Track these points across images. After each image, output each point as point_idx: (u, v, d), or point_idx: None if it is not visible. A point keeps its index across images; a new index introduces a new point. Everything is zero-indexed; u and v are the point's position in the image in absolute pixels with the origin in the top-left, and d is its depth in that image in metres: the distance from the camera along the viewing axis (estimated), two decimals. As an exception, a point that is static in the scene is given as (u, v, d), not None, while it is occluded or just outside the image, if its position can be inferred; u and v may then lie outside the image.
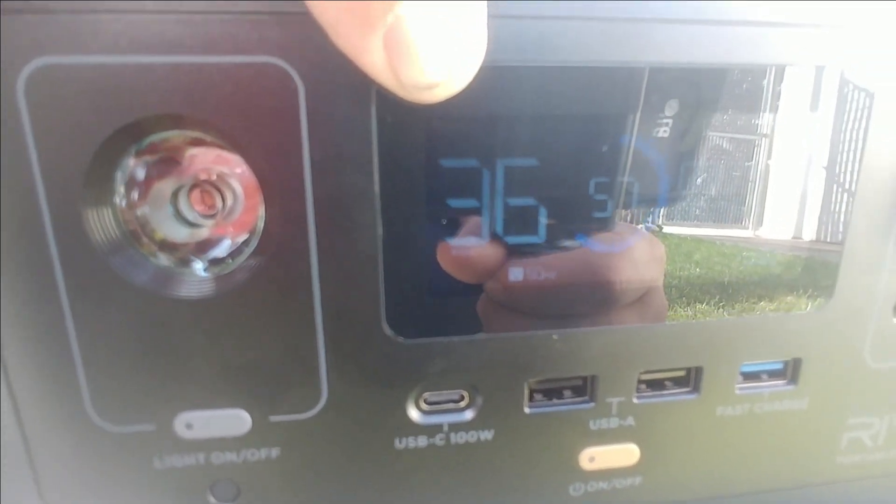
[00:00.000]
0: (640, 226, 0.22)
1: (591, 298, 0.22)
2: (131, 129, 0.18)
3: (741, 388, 0.25)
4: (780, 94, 0.22)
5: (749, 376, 0.25)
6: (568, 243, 0.22)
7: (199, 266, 0.20)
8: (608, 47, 0.19)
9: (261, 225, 0.20)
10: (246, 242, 0.21)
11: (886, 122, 0.22)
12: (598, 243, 0.22)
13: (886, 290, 0.24)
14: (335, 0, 0.13)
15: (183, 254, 0.20)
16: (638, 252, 0.22)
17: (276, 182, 0.19)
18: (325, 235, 0.19)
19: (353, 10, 0.13)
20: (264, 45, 0.18)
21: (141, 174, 0.20)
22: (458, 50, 0.14)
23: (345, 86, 0.18)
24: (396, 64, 0.13)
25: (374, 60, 0.14)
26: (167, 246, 0.20)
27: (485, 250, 0.21)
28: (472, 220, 0.21)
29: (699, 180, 0.22)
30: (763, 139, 0.23)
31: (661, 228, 0.23)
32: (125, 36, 0.17)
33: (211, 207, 0.21)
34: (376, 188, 0.19)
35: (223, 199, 0.21)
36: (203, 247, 0.20)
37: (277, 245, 0.19)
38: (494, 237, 0.21)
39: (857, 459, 0.27)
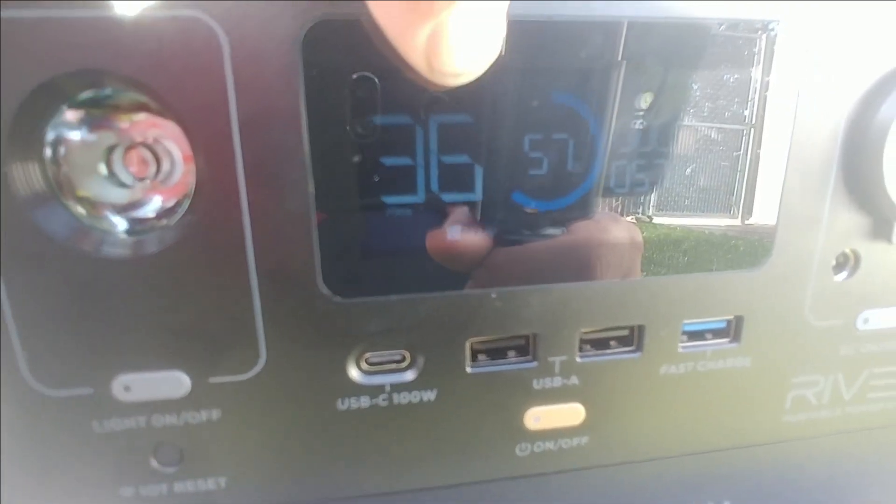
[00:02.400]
0: (627, 217, 0.23)
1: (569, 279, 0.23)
2: (54, 85, 0.18)
3: (684, 347, 0.25)
4: (767, 83, 0.22)
5: (693, 335, 0.25)
6: (520, 212, 0.22)
7: (127, 225, 0.20)
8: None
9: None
10: (180, 204, 0.21)
11: (817, 75, 0.22)
12: (578, 230, 0.22)
13: (824, 247, 0.25)
14: None
15: (113, 213, 0.20)
16: (617, 239, 0.23)
17: (204, 140, 0.19)
18: (257, 194, 0.19)
19: (411, 5, 0.15)
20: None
21: (74, 133, 0.20)
22: (484, 47, 0.16)
23: (271, 42, 0.18)
24: (435, 54, 0.16)
25: (414, 45, 0.16)
26: (97, 205, 0.20)
27: (473, 238, 0.22)
28: (460, 210, 0.21)
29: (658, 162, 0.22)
30: (751, 129, 0.23)
31: (651, 219, 0.23)
32: None
33: (144, 170, 0.21)
34: (306, 146, 0.19)
35: (158, 163, 0.21)
36: (135, 207, 0.20)
37: (208, 204, 0.19)
38: (433, 198, 0.21)
39: (803, 418, 0.28)
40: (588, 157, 0.22)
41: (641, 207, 0.23)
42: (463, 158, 0.21)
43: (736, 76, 0.22)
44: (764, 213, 0.24)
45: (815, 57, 0.22)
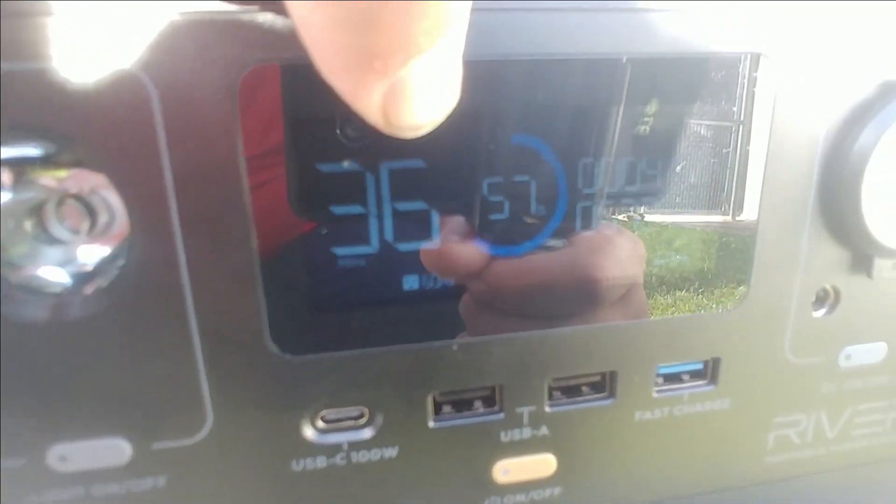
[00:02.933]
0: (620, 217, 0.22)
1: (576, 297, 0.22)
2: None
3: (659, 391, 0.24)
4: (755, 80, 0.21)
5: (669, 378, 0.24)
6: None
7: (59, 285, 0.19)
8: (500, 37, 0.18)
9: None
10: (114, 260, 0.19)
11: (791, 104, 0.21)
12: (580, 242, 0.21)
13: (803, 284, 0.24)
14: (347, 45, 0.14)
15: (46, 271, 0.19)
16: (620, 250, 0.22)
17: (136, 196, 0.18)
18: (196, 250, 0.18)
19: (366, 60, 0.14)
20: (116, 52, 0.16)
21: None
22: (444, 98, 0.15)
23: (204, 90, 0.17)
24: (392, 109, 0.15)
25: (368, 102, 0.15)
26: (24, 267, 0.19)
27: (469, 249, 0.21)
28: (455, 220, 0.20)
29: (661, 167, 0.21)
30: (740, 126, 0.22)
31: (642, 217, 0.22)
32: None
33: (78, 224, 0.19)
34: (246, 198, 0.18)
35: (92, 216, 0.19)
36: (69, 263, 0.19)
37: (143, 262, 0.18)
38: (387, 247, 0.20)
39: (786, 458, 0.27)
40: (552, 199, 0.21)
41: (633, 206, 0.22)
42: (418, 205, 0.20)
43: (723, 72, 0.21)
44: (754, 210, 0.23)
45: (788, 87, 0.21)
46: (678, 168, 0.22)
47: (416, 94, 0.15)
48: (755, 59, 0.21)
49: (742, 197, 0.23)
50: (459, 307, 0.21)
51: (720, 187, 0.23)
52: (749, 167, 0.22)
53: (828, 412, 0.27)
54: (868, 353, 0.26)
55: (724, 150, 0.22)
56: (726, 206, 0.23)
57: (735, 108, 0.22)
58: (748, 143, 0.22)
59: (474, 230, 0.21)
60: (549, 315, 0.22)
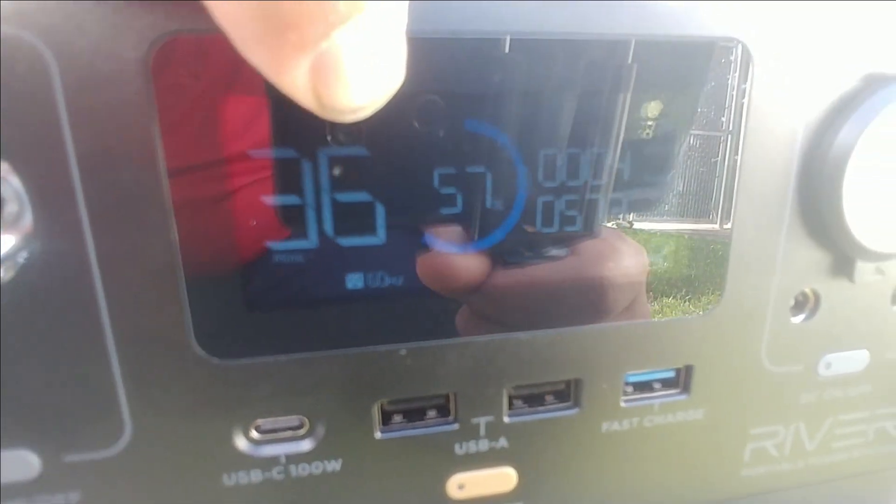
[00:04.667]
0: (612, 223, 0.21)
1: (582, 309, 0.21)
2: None
3: (628, 401, 0.22)
4: (744, 91, 0.20)
5: (638, 386, 0.23)
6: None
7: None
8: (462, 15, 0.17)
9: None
10: (17, 253, 0.17)
11: (766, 99, 0.20)
12: (584, 251, 0.20)
13: (781, 287, 0.22)
14: (253, 15, 0.12)
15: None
16: (625, 259, 0.20)
17: (39, 181, 0.16)
18: (107, 243, 0.16)
19: (278, 30, 0.12)
20: (9, 15, 0.15)
21: None
22: (384, 77, 0.14)
23: (112, 63, 0.15)
24: (323, 89, 0.13)
25: (294, 80, 0.13)
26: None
27: (467, 261, 0.19)
28: (451, 228, 0.19)
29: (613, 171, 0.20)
30: (728, 136, 0.21)
31: (631, 225, 0.21)
32: None
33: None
34: (165, 185, 0.16)
35: (-1, 202, 0.18)
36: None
37: (49, 255, 0.16)
38: (327, 239, 0.18)
39: (763, 471, 0.25)
40: (509, 193, 0.19)
41: (622, 214, 0.21)
42: (361, 196, 0.18)
43: (713, 83, 0.20)
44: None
45: (764, 84, 0.20)
46: (669, 177, 0.21)
47: (348, 71, 0.13)
48: (744, 63, 0.19)
49: (730, 206, 0.22)
50: (456, 320, 0.20)
51: (708, 196, 0.22)
52: (737, 176, 0.21)
53: (807, 423, 0.25)
54: (849, 361, 0.24)
55: (712, 160, 0.22)
56: (714, 215, 0.22)
57: (724, 119, 0.21)
58: (736, 153, 0.21)
59: (472, 240, 0.19)
60: (555, 328, 0.21)
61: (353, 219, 0.18)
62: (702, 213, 0.22)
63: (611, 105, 0.19)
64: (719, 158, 0.22)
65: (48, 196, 0.16)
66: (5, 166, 0.17)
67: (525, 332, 0.20)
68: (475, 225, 0.19)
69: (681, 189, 0.21)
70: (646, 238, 0.21)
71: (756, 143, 0.20)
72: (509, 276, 0.20)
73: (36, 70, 0.15)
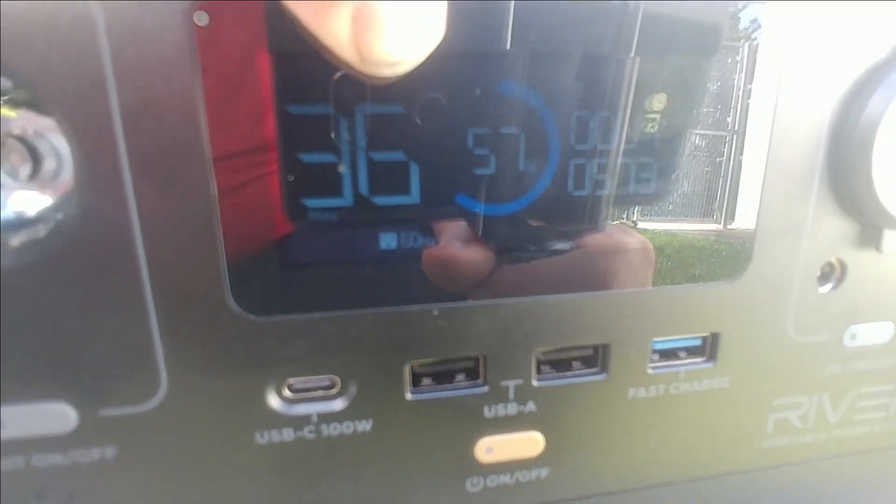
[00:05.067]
0: (619, 222, 0.21)
1: None
2: None
3: (654, 368, 0.22)
4: (750, 91, 0.21)
5: (665, 354, 0.23)
6: (459, 209, 0.19)
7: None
8: None
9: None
10: (56, 211, 0.18)
11: (797, 71, 0.20)
12: (592, 246, 0.20)
13: (808, 257, 0.22)
14: None
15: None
16: (631, 253, 0.21)
17: (81, 134, 0.16)
18: (148, 198, 0.16)
19: None
20: None
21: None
22: (423, 29, 0.14)
23: (158, 15, 0.15)
24: (363, 39, 0.13)
25: (336, 31, 0.13)
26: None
27: (475, 255, 0.19)
28: (454, 225, 0.19)
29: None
30: (734, 135, 0.22)
31: (635, 224, 0.21)
32: None
33: (18, 167, 0.18)
34: (205, 140, 0.16)
35: (36, 161, 0.18)
36: (7, 208, 0.17)
37: (90, 209, 0.16)
38: (362, 199, 0.18)
39: (786, 443, 0.25)
40: (542, 155, 0.19)
41: (626, 212, 0.21)
42: (396, 155, 0.18)
43: (719, 83, 0.21)
44: (746, 219, 0.22)
45: (795, 52, 0.20)
46: (674, 175, 0.21)
47: (388, 23, 0.13)
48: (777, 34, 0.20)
49: (734, 206, 0.22)
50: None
51: (713, 196, 0.22)
52: (742, 176, 0.22)
53: (830, 395, 0.25)
54: (874, 332, 0.24)
55: (717, 160, 0.22)
56: (718, 215, 0.22)
57: (729, 119, 0.22)
58: (741, 153, 0.22)
59: (478, 235, 0.19)
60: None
61: (387, 178, 0.18)
62: (706, 213, 0.22)
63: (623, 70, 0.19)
64: (724, 158, 0.22)
65: (92, 150, 0.16)
66: (48, 122, 0.17)
67: (554, 295, 0.20)
68: (506, 187, 0.19)
69: (685, 189, 0.22)
70: (649, 237, 0.21)
71: (787, 113, 0.20)
72: (514, 272, 0.20)
73: (81, 22, 0.15)
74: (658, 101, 0.20)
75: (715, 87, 0.21)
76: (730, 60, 0.21)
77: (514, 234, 0.20)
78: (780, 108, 0.20)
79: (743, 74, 0.20)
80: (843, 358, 0.25)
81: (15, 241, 0.17)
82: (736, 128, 0.21)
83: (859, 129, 0.21)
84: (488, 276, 0.20)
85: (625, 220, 0.21)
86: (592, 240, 0.20)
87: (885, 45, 0.21)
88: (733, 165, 0.22)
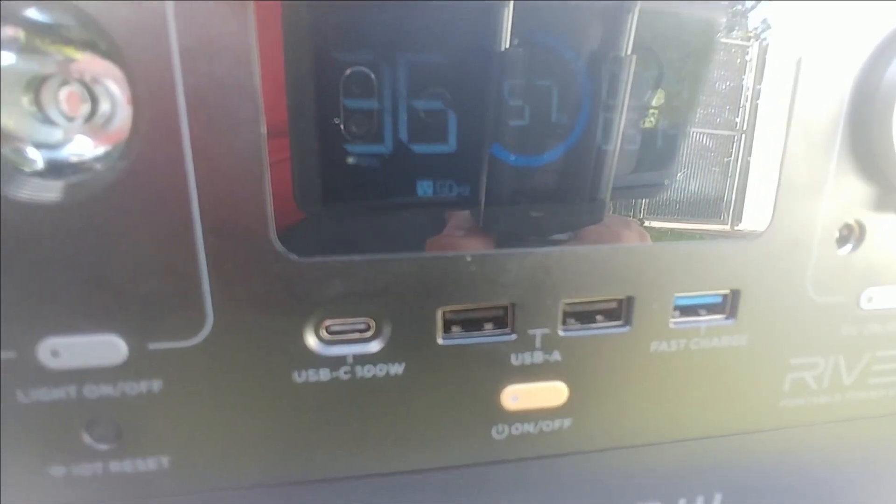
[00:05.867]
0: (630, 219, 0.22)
1: None
2: None
3: (676, 323, 0.23)
4: (759, 92, 0.21)
5: (686, 310, 0.24)
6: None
7: (50, 166, 0.18)
8: None
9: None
10: (118, 150, 0.18)
11: (820, 34, 0.21)
12: (587, 236, 0.21)
13: (827, 217, 0.23)
14: None
15: (37, 152, 0.18)
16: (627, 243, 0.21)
17: (139, 70, 0.17)
18: (201, 134, 0.17)
19: None
20: None
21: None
22: None
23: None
24: None
25: None
26: (17, 140, 0.18)
27: (475, 243, 0.20)
28: (459, 215, 0.20)
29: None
30: (742, 135, 0.22)
31: (642, 223, 0.22)
32: None
33: (77, 108, 0.18)
34: (257, 81, 0.17)
35: (94, 103, 0.18)
36: (61, 147, 0.18)
37: (146, 145, 0.17)
38: (401, 145, 0.19)
39: (801, 403, 0.26)
40: (573, 108, 0.20)
41: (633, 210, 0.22)
42: (435, 104, 0.19)
43: (728, 83, 0.22)
44: (753, 220, 0.23)
45: (819, 17, 0.20)
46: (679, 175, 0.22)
47: None
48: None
49: (741, 206, 0.23)
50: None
51: (720, 196, 0.23)
52: (750, 178, 0.22)
53: (846, 357, 0.26)
54: (891, 295, 0.25)
55: (725, 160, 0.22)
56: (725, 215, 0.23)
57: (738, 119, 0.22)
58: (750, 154, 0.22)
59: (479, 223, 0.20)
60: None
61: (426, 126, 0.19)
62: (713, 214, 0.23)
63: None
64: (732, 158, 0.23)
65: (152, 87, 0.17)
66: (107, 66, 0.18)
67: (582, 245, 0.21)
68: (541, 138, 0.20)
69: (693, 188, 0.22)
70: (656, 236, 0.22)
71: (811, 74, 0.21)
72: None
73: None
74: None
75: (724, 87, 0.21)
76: (739, 61, 0.21)
77: (515, 225, 0.21)
78: (804, 70, 0.21)
79: (752, 74, 0.21)
80: (860, 320, 0.25)
81: (68, 178, 0.18)
82: (744, 128, 0.22)
83: (881, 90, 0.21)
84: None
85: (631, 218, 0.22)
86: (590, 230, 0.21)
87: None
88: (741, 166, 0.22)
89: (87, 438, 0.20)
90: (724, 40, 0.21)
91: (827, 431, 0.27)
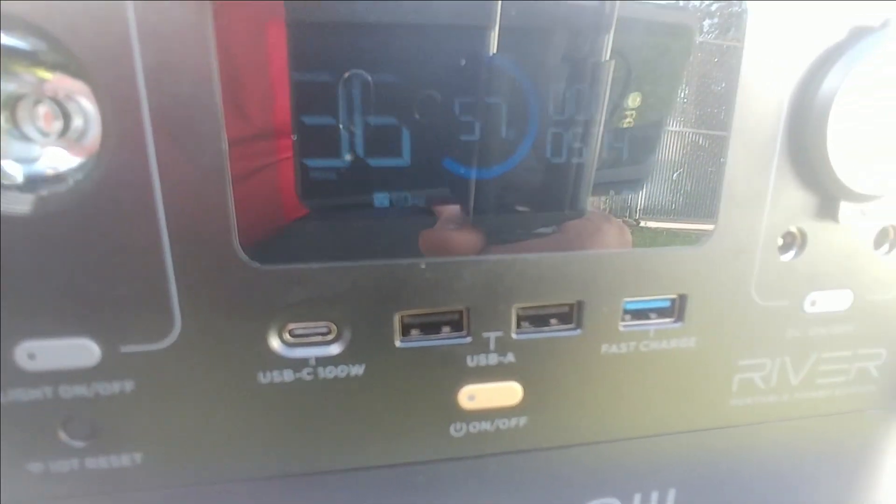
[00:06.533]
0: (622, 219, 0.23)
1: None
2: None
3: (626, 326, 0.24)
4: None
5: (636, 314, 0.25)
6: (442, 172, 0.21)
7: (26, 180, 0.19)
8: None
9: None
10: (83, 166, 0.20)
11: (759, 48, 0.22)
12: (570, 229, 0.22)
13: (770, 225, 0.24)
14: None
15: (13, 167, 0.19)
16: (609, 237, 0.23)
17: (106, 89, 0.18)
18: (166, 149, 0.18)
19: None
20: None
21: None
22: None
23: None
24: None
25: None
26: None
27: (467, 237, 0.22)
28: (450, 209, 0.21)
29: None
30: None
31: (637, 223, 0.23)
32: None
33: (50, 125, 0.20)
34: (218, 99, 0.18)
35: (66, 119, 0.20)
36: (35, 162, 0.19)
37: (113, 159, 0.18)
38: (359, 160, 0.20)
39: (750, 402, 0.27)
40: (522, 124, 0.21)
41: (629, 211, 0.23)
42: (389, 120, 0.20)
43: (722, 84, 0.23)
44: None
45: (760, 29, 0.22)
46: (675, 175, 0.23)
47: None
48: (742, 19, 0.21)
49: None
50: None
51: (717, 197, 0.24)
52: (732, 118, 0.23)
53: (792, 358, 0.27)
54: (833, 299, 0.26)
55: (721, 160, 0.23)
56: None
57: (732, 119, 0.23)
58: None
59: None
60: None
61: (381, 142, 0.20)
62: (709, 214, 0.24)
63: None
64: (726, 159, 0.23)
65: (116, 102, 0.18)
66: (78, 85, 0.19)
67: (533, 253, 0.22)
68: (489, 154, 0.21)
69: (689, 189, 0.23)
70: (652, 236, 0.24)
71: (750, 89, 0.22)
72: (501, 252, 0.22)
73: None
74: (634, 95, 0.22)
75: (719, 89, 0.22)
76: (733, 61, 0.22)
77: (520, 169, 0.22)
78: (743, 84, 0.22)
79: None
80: (805, 323, 0.26)
81: (43, 191, 0.19)
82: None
83: (816, 105, 0.23)
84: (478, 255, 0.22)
85: (627, 219, 0.23)
86: (573, 224, 0.23)
87: (840, 30, 0.23)
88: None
89: (63, 436, 0.21)
90: (717, 41, 0.22)
91: (777, 429, 0.28)
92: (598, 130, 0.21)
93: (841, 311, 0.27)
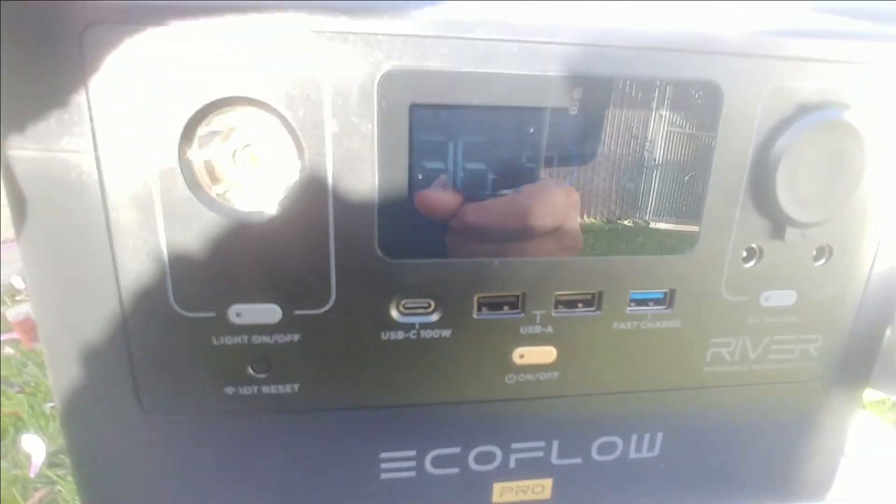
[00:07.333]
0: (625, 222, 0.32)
1: (519, 230, 0.32)
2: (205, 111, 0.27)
3: (631, 310, 0.34)
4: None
5: (639, 302, 0.35)
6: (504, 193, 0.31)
7: (243, 203, 0.29)
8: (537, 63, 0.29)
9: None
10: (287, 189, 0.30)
11: (732, 122, 0.31)
12: (526, 192, 0.31)
13: (736, 242, 0.34)
14: None
15: (235, 195, 0.29)
16: (557, 197, 0.31)
17: (305, 146, 0.28)
18: (338, 184, 0.28)
19: None
20: None
21: (217, 146, 0.29)
22: None
23: (358, 78, 0.27)
24: None
25: None
26: (231, 189, 0.29)
27: (445, 198, 0.30)
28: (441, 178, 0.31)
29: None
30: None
31: (647, 224, 0.32)
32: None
33: (257, 163, 0.30)
34: (376, 152, 0.28)
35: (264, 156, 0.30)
36: (248, 189, 0.29)
37: (305, 191, 0.28)
38: (455, 190, 0.30)
39: (720, 370, 0.37)
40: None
41: (638, 212, 0.32)
42: (479, 166, 0.30)
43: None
44: None
45: (732, 104, 0.31)
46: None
47: None
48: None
49: None
50: (447, 239, 0.30)
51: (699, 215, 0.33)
52: (711, 170, 0.33)
53: (751, 339, 0.37)
54: (782, 297, 0.36)
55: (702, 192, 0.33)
56: None
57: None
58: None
59: (453, 185, 0.29)
60: (504, 241, 0.31)
61: (473, 179, 0.30)
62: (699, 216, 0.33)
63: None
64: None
65: (310, 155, 0.28)
66: (272, 119, 0.29)
67: (569, 257, 0.32)
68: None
69: (682, 208, 0.33)
70: (661, 237, 0.33)
71: (724, 149, 0.32)
72: (474, 207, 0.30)
73: (313, 74, 0.27)
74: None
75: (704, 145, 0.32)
76: (710, 136, 0.31)
77: (478, 185, 0.30)
78: (719, 147, 0.32)
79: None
80: (760, 314, 0.36)
81: (260, 209, 0.29)
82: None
83: (769, 160, 0.32)
84: (457, 210, 0.30)
85: (637, 219, 0.33)
86: (529, 187, 0.30)
87: (790, 105, 0.32)
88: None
89: (250, 370, 0.31)
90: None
91: (739, 392, 0.38)
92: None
93: (788, 306, 0.36)
